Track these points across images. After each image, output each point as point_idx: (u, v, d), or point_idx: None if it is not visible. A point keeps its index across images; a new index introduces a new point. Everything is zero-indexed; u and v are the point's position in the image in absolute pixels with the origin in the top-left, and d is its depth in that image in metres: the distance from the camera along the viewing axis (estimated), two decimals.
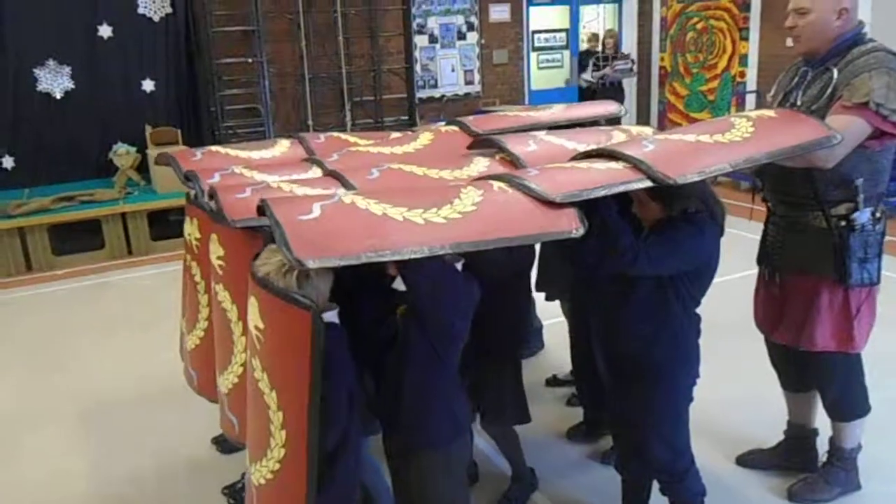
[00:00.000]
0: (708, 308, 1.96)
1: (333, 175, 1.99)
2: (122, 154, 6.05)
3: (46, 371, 3.70)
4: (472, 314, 1.69)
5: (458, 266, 1.65)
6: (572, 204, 1.56)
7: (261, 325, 1.50)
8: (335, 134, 3.00)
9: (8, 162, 5.96)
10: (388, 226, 1.40)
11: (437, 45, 7.85)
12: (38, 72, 5.91)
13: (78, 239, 5.45)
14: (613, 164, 1.71)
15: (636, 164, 1.65)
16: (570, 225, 1.54)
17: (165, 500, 2.60)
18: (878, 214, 2.03)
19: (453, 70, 8.03)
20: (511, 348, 2.25)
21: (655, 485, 2.10)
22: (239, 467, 2.64)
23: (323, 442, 1.46)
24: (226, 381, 1.88)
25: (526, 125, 2.48)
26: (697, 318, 1.93)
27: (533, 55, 8.65)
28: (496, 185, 1.68)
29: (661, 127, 7.86)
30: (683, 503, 2.03)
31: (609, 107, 2.74)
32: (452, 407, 1.74)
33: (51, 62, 5.95)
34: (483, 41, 8.05)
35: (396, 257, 1.37)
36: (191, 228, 2.39)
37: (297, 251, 1.28)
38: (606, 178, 1.65)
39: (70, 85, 6.03)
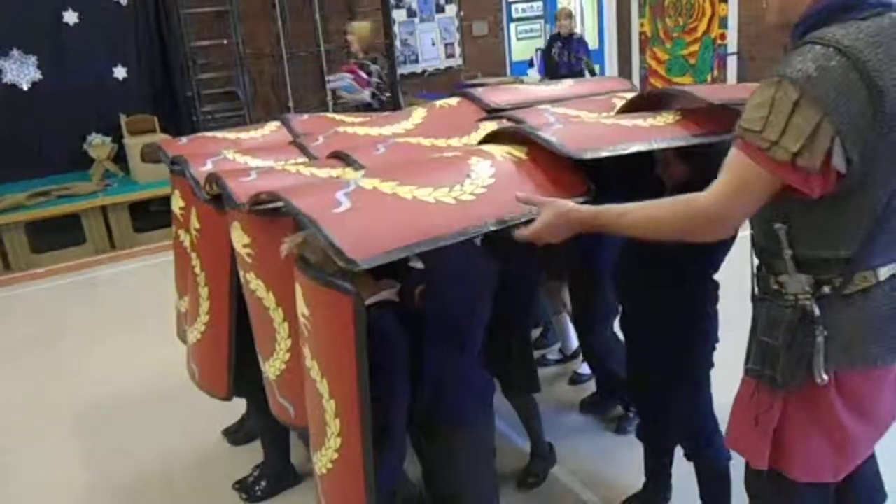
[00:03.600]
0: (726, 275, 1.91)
1: (338, 156, 1.90)
2: (98, 145, 5.86)
3: (39, 375, 3.59)
4: (492, 292, 1.63)
5: (477, 242, 1.60)
6: (582, 164, 1.51)
7: (306, 312, 1.47)
8: (321, 114, 2.91)
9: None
10: (424, 211, 1.37)
11: (416, 19, 7.69)
12: (2, 63, 5.68)
13: (57, 235, 5.27)
14: (640, 122, 1.66)
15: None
16: (579, 190, 1.53)
17: (176, 496, 2.54)
18: (827, 290, 1.26)
19: (433, 44, 7.88)
20: (521, 320, 2.22)
21: (678, 454, 2.07)
22: (249, 459, 2.59)
23: (381, 421, 1.44)
24: (272, 368, 1.84)
25: (533, 99, 2.40)
26: (716, 284, 1.90)
27: (512, 26, 8.52)
28: (499, 153, 1.62)
29: (643, 90, 7.82)
30: (709, 468, 2.01)
31: (618, 84, 2.68)
32: (475, 385, 1.71)
33: (15, 52, 5.71)
34: (462, 13, 7.90)
35: (446, 242, 1.32)
36: (175, 200, 2.37)
37: (348, 252, 1.22)
38: (629, 134, 1.61)
39: (37, 75, 5.80)
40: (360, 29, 5.29)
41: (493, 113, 2.38)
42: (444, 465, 1.72)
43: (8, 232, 5.05)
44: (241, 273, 1.84)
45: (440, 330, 1.59)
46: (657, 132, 1.65)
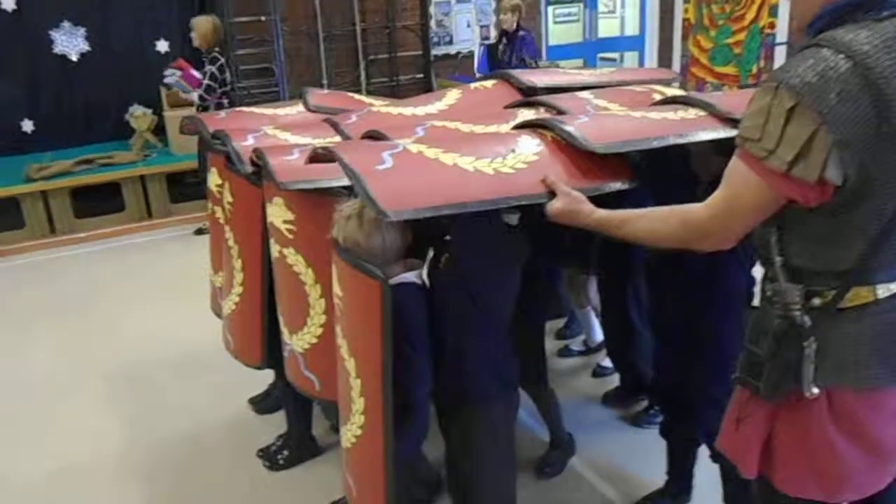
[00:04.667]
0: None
1: (374, 136, 1.94)
2: (139, 116, 6.00)
3: (77, 334, 3.76)
4: (521, 271, 1.66)
5: (514, 220, 1.62)
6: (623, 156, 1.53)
7: (339, 293, 1.52)
8: (349, 94, 2.95)
9: (28, 125, 5.94)
10: (462, 177, 1.41)
11: (453, 0, 7.63)
12: (53, 34, 5.84)
13: (98, 202, 5.45)
14: (670, 115, 1.66)
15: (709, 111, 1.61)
16: (623, 177, 1.55)
17: (201, 460, 2.65)
18: (818, 303, 1.21)
19: (469, 26, 7.82)
20: (535, 310, 2.23)
21: (702, 455, 2.07)
22: (274, 428, 2.69)
23: (403, 399, 1.48)
24: (301, 342, 1.91)
25: (572, 83, 2.39)
26: (753, 280, 1.87)
27: (550, 9, 8.40)
28: (550, 134, 1.65)
29: (684, 79, 7.66)
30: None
31: (662, 74, 2.65)
32: (498, 364, 1.71)
33: (66, 24, 5.86)
34: None
35: (475, 209, 1.37)
36: (212, 178, 2.46)
37: (382, 203, 1.27)
38: (657, 128, 1.61)
39: (85, 47, 5.96)
40: (199, 23, 4.89)
41: (529, 94, 2.39)
42: (463, 443, 1.74)
43: (54, 197, 5.24)
44: (277, 247, 1.90)
45: (462, 303, 1.60)
46: (686, 125, 1.64)
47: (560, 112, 1.99)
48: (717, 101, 1.70)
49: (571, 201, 1.43)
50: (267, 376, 2.92)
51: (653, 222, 1.32)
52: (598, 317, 2.91)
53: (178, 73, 4.97)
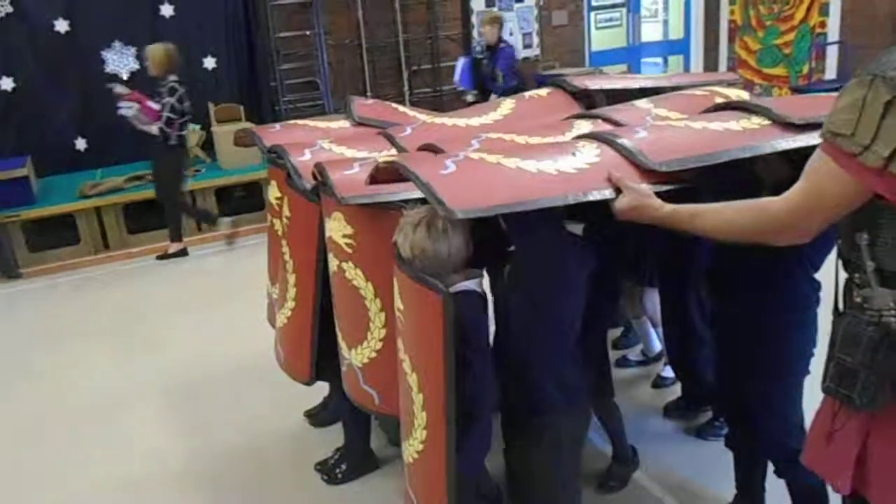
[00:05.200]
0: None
1: (431, 149, 1.90)
2: (189, 132, 6.12)
3: (133, 349, 3.82)
4: (586, 283, 1.62)
5: (579, 230, 1.57)
6: None
7: (401, 307, 1.51)
8: (392, 105, 2.94)
9: (81, 143, 6.12)
10: (525, 177, 1.40)
11: (495, 9, 7.61)
12: (105, 54, 6.02)
13: (148, 217, 5.57)
14: (733, 125, 1.59)
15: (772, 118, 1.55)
16: (685, 176, 1.52)
17: (259, 475, 2.63)
18: None
19: (511, 34, 7.77)
20: (600, 321, 2.15)
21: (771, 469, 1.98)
22: (331, 442, 2.66)
23: (468, 408, 1.45)
24: (360, 356, 1.90)
25: (628, 87, 2.33)
26: (818, 285, 1.78)
27: (592, 15, 8.31)
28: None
29: None
30: (802, 486, 1.90)
31: (722, 76, 2.56)
32: (563, 377, 1.67)
33: (117, 44, 6.05)
34: (542, 2, 7.77)
35: (543, 205, 1.36)
36: (272, 191, 2.46)
37: (449, 202, 1.28)
38: (719, 141, 1.56)
39: (135, 65, 6.12)
40: (153, 51, 4.73)
41: (583, 98, 2.34)
42: (527, 458, 1.70)
43: (107, 213, 5.37)
44: (336, 262, 1.88)
45: (528, 315, 1.57)
46: (749, 137, 1.57)
47: (618, 124, 1.94)
48: (776, 107, 1.62)
49: (639, 196, 1.41)
50: (322, 389, 2.90)
51: (727, 215, 1.30)
52: (654, 327, 2.82)
53: (135, 105, 4.78)
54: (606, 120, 1.98)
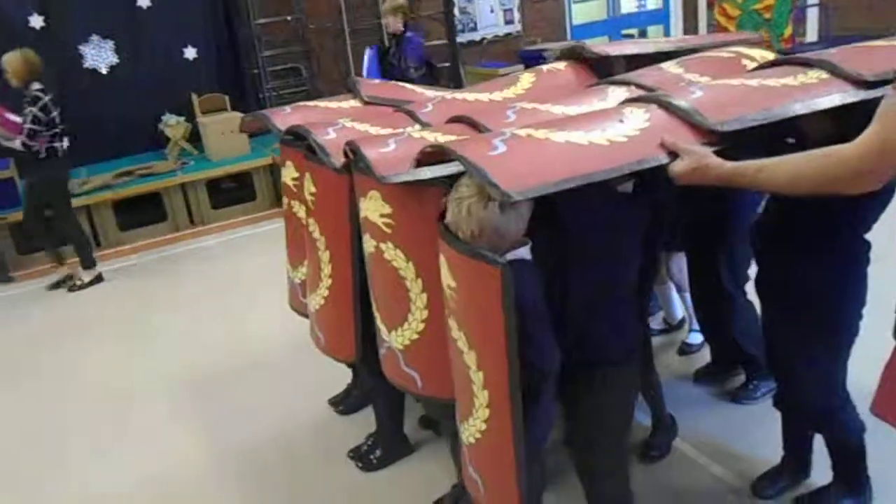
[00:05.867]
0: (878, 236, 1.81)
1: (466, 121, 1.87)
2: (174, 125, 6.00)
3: (142, 346, 3.75)
4: (642, 233, 1.65)
5: (629, 188, 1.58)
6: None
7: (452, 284, 1.47)
8: (398, 84, 2.89)
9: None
10: (577, 151, 1.39)
11: None
12: (83, 49, 5.84)
13: (140, 213, 5.46)
14: (790, 80, 1.57)
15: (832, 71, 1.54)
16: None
17: (293, 466, 2.60)
18: None
19: (492, 10, 7.71)
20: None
21: None
22: (360, 429, 2.64)
23: (531, 379, 1.45)
24: (401, 338, 1.85)
25: (647, 52, 2.31)
26: (868, 245, 1.79)
27: None
28: (654, 105, 1.60)
29: None
30: (840, 441, 1.94)
31: (741, 36, 2.54)
32: (622, 328, 1.70)
33: (94, 38, 5.87)
34: None
35: (598, 178, 1.35)
36: (288, 172, 2.39)
37: (504, 185, 1.26)
38: (779, 96, 1.54)
39: (114, 59, 5.95)
40: (8, 61, 4.24)
41: (604, 67, 2.31)
42: (592, 408, 1.72)
43: (97, 211, 5.25)
44: (373, 243, 1.84)
45: (581, 275, 1.57)
46: (809, 90, 1.56)
47: (650, 89, 1.92)
48: (839, 60, 1.60)
49: (698, 157, 1.39)
50: (343, 376, 2.88)
51: (796, 165, 1.29)
52: (680, 292, 2.83)
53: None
54: (639, 86, 1.95)
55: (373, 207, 1.80)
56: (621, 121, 1.51)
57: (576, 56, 2.44)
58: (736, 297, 2.36)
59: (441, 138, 1.78)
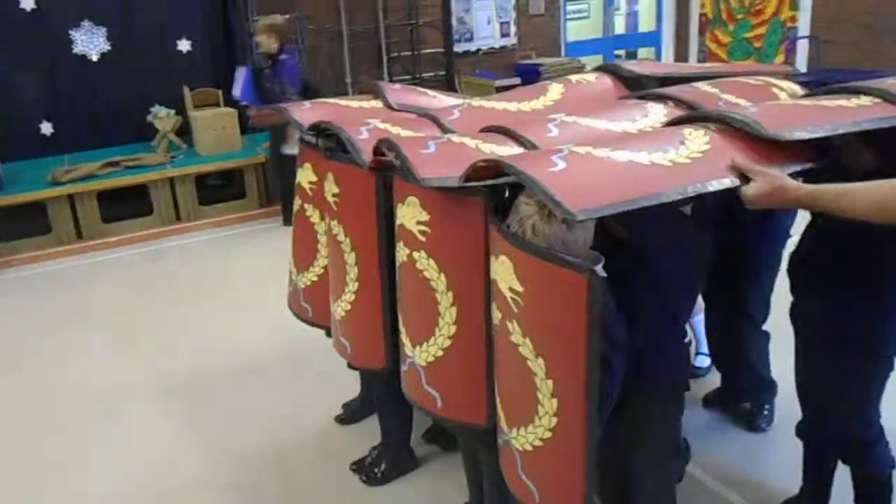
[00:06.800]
0: None
1: (507, 133, 1.82)
2: (164, 117, 5.83)
3: (125, 345, 3.60)
4: (705, 262, 1.63)
5: (688, 210, 1.55)
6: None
7: (518, 288, 1.41)
8: (419, 89, 2.84)
9: (47, 128, 5.75)
10: (640, 171, 1.35)
11: None
12: (73, 34, 5.66)
13: (124, 205, 5.29)
14: (844, 102, 1.58)
15: (887, 96, 1.55)
16: (808, 156, 1.49)
17: (292, 479, 2.50)
18: None
19: (489, 22, 7.72)
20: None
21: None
22: (363, 439, 2.55)
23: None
24: (425, 354, 1.79)
25: (677, 74, 2.29)
26: None
27: (569, 6, 8.33)
28: (712, 125, 1.58)
29: None
30: (868, 475, 1.92)
31: (773, 68, 2.55)
32: (675, 360, 1.70)
33: (86, 23, 5.69)
34: None
35: (666, 199, 1.32)
36: (306, 174, 2.30)
37: (568, 204, 1.22)
38: (835, 115, 1.54)
39: (106, 46, 5.78)
40: None
41: (635, 86, 2.29)
42: (628, 434, 1.69)
43: (81, 201, 5.07)
44: (406, 251, 1.78)
45: (652, 305, 1.54)
46: (865, 112, 1.56)
47: (690, 106, 1.90)
48: (892, 88, 1.61)
49: (773, 179, 1.37)
50: (342, 384, 2.80)
51: (886, 191, 1.25)
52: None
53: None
54: (678, 101, 1.93)
55: (410, 214, 1.74)
56: (682, 142, 1.48)
57: (609, 71, 2.41)
58: (758, 325, 2.35)
59: (483, 146, 1.73)
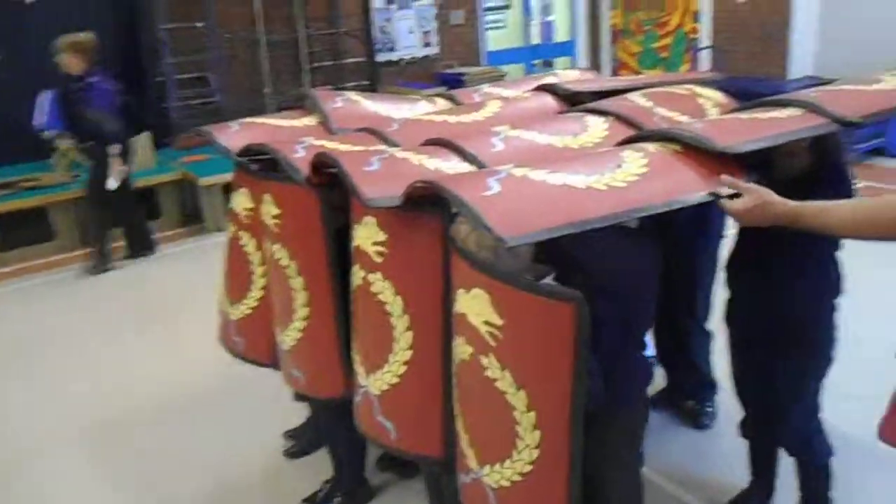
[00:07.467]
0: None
1: (450, 146, 1.77)
2: (62, 133, 5.39)
3: (37, 383, 3.26)
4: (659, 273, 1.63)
5: (634, 223, 1.56)
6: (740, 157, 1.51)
7: (497, 321, 1.35)
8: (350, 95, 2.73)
9: None
10: (574, 196, 1.36)
11: (394, 6, 7.48)
12: None
13: (23, 231, 4.85)
14: (777, 114, 1.64)
15: (812, 107, 1.60)
16: (744, 174, 1.51)
17: None
18: None
19: (411, 32, 7.69)
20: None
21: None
22: (312, 474, 2.41)
23: None
24: (378, 382, 1.69)
25: (612, 88, 2.32)
26: (841, 269, 1.86)
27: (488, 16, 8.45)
28: (652, 146, 1.59)
29: None
30: (812, 464, 1.99)
31: (698, 75, 2.63)
32: (637, 373, 1.68)
33: None
34: (440, 1, 7.74)
35: (596, 225, 1.31)
36: (241, 200, 2.16)
37: (498, 230, 1.22)
38: (775, 126, 1.59)
39: None
40: None
41: (573, 102, 2.30)
42: (605, 448, 1.66)
43: None
44: (362, 274, 1.68)
45: (613, 324, 1.52)
46: (799, 122, 1.62)
47: (629, 121, 1.92)
48: (821, 102, 1.67)
49: (760, 195, 1.36)
50: (285, 415, 2.65)
51: (875, 208, 1.26)
52: None
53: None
54: (617, 116, 1.95)
55: (366, 234, 1.65)
56: (619, 165, 1.48)
57: (546, 90, 2.41)
58: (702, 323, 2.42)
59: (427, 161, 1.66)
